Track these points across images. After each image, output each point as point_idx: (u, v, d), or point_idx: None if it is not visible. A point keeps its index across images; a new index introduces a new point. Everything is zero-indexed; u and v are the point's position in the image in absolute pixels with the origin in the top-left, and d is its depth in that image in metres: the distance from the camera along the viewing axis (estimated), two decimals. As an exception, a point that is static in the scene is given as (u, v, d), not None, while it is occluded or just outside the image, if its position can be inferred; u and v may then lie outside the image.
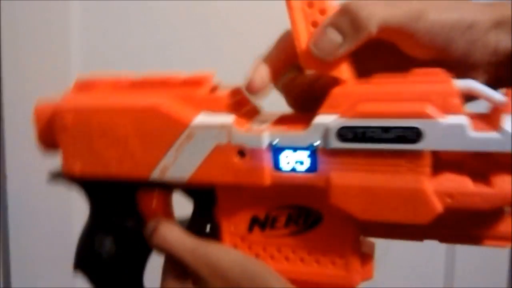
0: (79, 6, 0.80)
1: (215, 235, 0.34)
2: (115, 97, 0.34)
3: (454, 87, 0.28)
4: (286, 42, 0.32)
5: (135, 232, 0.36)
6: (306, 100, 0.34)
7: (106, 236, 0.37)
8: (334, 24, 0.29)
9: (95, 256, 0.37)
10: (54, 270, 0.83)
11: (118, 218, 0.37)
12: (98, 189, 0.36)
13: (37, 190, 0.81)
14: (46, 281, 0.83)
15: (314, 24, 0.30)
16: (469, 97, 0.29)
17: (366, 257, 0.33)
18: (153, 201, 0.37)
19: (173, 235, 0.33)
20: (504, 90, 0.30)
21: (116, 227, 0.37)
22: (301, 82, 0.34)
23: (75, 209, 0.81)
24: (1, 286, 0.83)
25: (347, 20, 0.29)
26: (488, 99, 0.29)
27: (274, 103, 0.34)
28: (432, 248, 0.80)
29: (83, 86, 0.36)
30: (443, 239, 0.31)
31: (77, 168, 0.34)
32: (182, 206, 0.37)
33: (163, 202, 0.37)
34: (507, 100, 0.28)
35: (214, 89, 0.33)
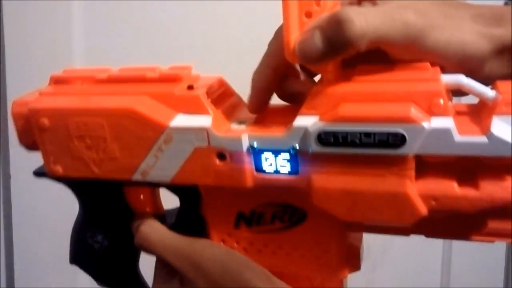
0: (80, 5, 0.79)
1: (202, 230, 0.34)
2: (90, 96, 0.33)
3: (441, 86, 0.27)
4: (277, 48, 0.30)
5: (125, 224, 0.36)
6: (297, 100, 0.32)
7: (97, 230, 0.37)
8: (323, 30, 0.27)
9: (88, 250, 0.38)
10: (57, 270, 0.84)
11: (108, 212, 0.37)
12: (84, 187, 0.36)
13: (41, 190, 0.81)
14: (49, 281, 0.84)
15: (308, 14, 0.27)
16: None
17: (353, 249, 0.33)
18: (140, 195, 0.37)
19: (155, 235, 0.33)
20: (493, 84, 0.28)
21: (106, 221, 0.37)
22: (293, 87, 0.32)
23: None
24: (5, 286, 0.84)
25: (337, 31, 0.26)
26: (478, 95, 0.27)
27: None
28: (429, 249, 0.81)
29: (59, 81, 0.35)
30: (429, 234, 0.31)
31: (59, 169, 0.34)
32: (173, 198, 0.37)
33: (150, 195, 0.37)
34: (498, 97, 0.26)
35: (191, 85, 0.32)
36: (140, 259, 0.39)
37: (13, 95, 0.80)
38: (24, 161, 0.81)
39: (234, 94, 0.34)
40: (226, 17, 0.78)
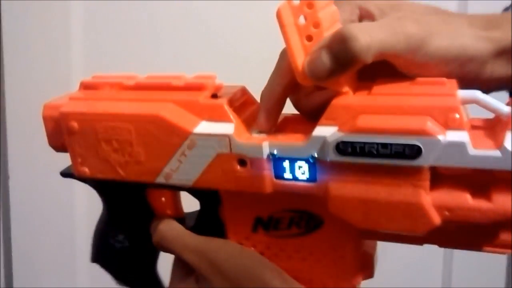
0: (80, 7, 0.79)
1: (221, 233, 0.35)
2: (119, 102, 0.34)
3: (457, 101, 0.28)
4: (286, 66, 0.31)
5: (146, 225, 0.38)
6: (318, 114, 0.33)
7: (119, 230, 0.39)
8: (329, 49, 0.28)
9: (110, 249, 0.39)
10: (55, 270, 0.85)
11: (130, 213, 0.38)
12: (109, 188, 0.37)
13: (39, 190, 0.83)
14: (47, 281, 0.85)
15: (309, 38, 0.29)
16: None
17: (367, 256, 0.34)
18: (162, 197, 0.38)
19: (172, 233, 0.35)
20: (508, 99, 0.29)
21: (128, 222, 0.39)
22: (313, 100, 0.33)
23: (78, 209, 0.82)
24: (3, 286, 0.85)
25: (343, 48, 0.28)
26: (493, 111, 0.28)
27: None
28: (430, 248, 0.80)
29: (88, 87, 0.36)
30: (442, 244, 0.31)
31: (86, 170, 0.36)
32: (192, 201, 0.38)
33: (172, 198, 0.38)
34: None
35: (215, 94, 0.33)
36: (158, 261, 0.40)
37: (12, 97, 0.81)
38: (23, 162, 0.83)
39: (256, 103, 0.35)
40: (226, 19, 0.78)
